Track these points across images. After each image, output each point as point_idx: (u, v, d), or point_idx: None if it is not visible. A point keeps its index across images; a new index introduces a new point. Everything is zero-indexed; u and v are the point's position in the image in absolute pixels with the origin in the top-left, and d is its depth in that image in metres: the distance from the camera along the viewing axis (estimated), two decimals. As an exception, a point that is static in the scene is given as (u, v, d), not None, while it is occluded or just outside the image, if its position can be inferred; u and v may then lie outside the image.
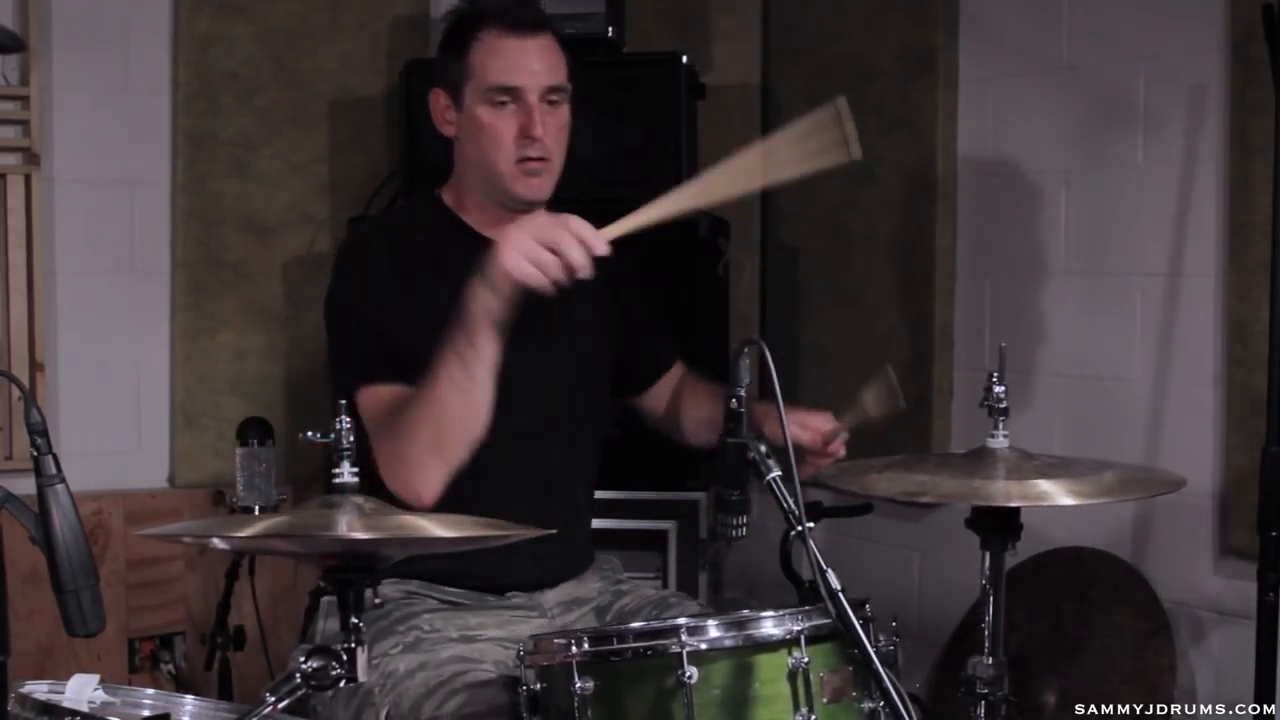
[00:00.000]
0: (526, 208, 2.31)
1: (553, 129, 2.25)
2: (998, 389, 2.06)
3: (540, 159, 2.25)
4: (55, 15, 3.29)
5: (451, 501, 2.03)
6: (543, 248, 1.95)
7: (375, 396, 2.14)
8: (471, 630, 2.22)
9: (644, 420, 2.57)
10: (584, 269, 1.96)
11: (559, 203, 2.33)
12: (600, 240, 1.98)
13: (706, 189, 2.08)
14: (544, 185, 2.28)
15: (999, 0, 3.15)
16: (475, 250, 2.30)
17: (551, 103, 2.26)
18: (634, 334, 2.50)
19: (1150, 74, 2.85)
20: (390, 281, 2.24)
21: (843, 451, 2.25)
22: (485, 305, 1.99)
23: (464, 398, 2.02)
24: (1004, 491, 1.97)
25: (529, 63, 2.24)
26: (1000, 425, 2.07)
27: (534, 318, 2.33)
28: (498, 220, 2.32)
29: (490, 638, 2.21)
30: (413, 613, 2.24)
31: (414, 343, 2.17)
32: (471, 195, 2.33)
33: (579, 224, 1.97)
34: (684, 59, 3.16)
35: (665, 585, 3.11)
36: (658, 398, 2.55)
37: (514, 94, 2.23)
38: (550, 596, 2.34)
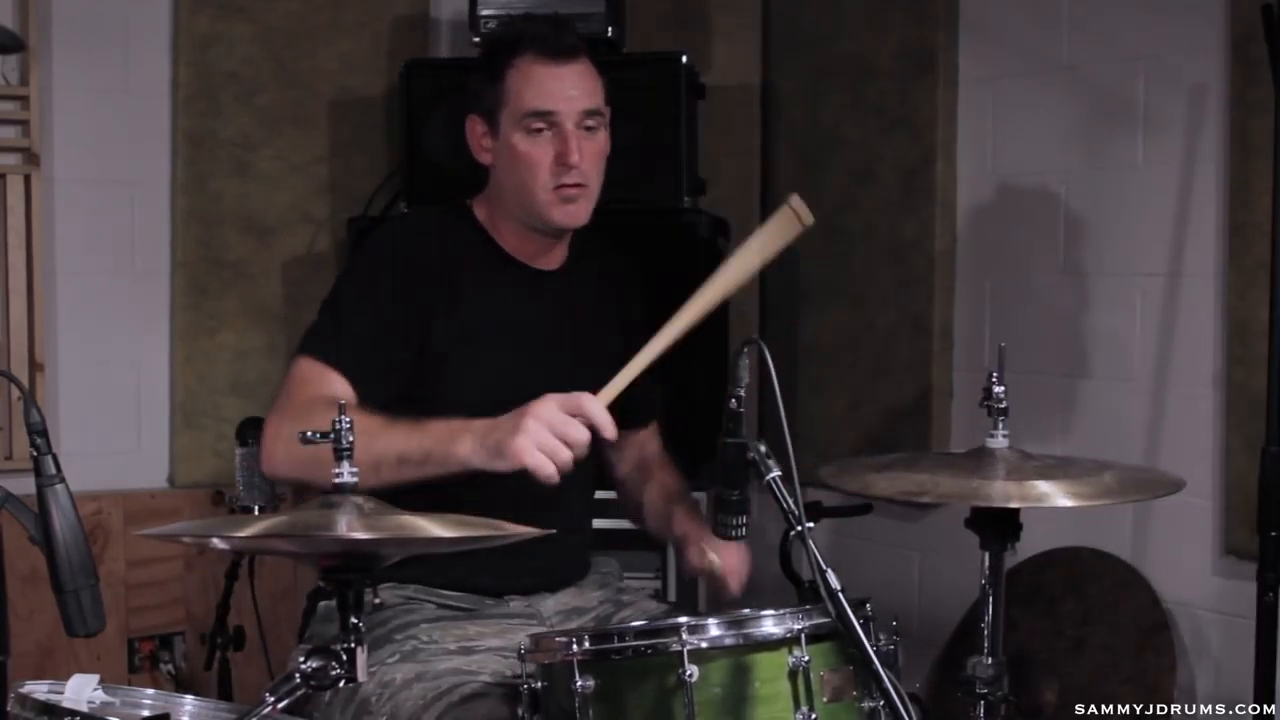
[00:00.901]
0: (563, 233, 2.32)
1: (590, 155, 2.24)
2: (997, 389, 2.06)
3: (577, 185, 2.25)
4: (55, 15, 3.28)
5: (448, 506, 2.02)
6: (559, 441, 1.94)
7: (314, 372, 2.14)
8: (470, 640, 2.22)
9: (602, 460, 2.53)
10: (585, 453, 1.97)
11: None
12: (612, 425, 1.98)
13: (688, 317, 2.09)
14: (581, 212, 2.27)
15: (999, 0, 3.15)
16: (499, 270, 2.32)
17: (589, 128, 2.25)
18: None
19: (1150, 74, 2.85)
20: (396, 296, 2.23)
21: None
22: (465, 461, 1.98)
23: (373, 476, 1.93)
24: (1003, 492, 1.97)
25: (565, 89, 2.23)
26: (1000, 425, 2.07)
27: (538, 326, 2.33)
28: (532, 244, 2.33)
29: (489, 647, 2.21)
30: (410, 621, 2.23)
31: (386, 359, 2.19)
32: (506, 219, 2.33)
33: (594, 408, 1.96)
34: (684, 59, 3.16)
35: (664, 585, 3.11)
36: (623, 452, 2.52)
37: (550, 120, 2.23)
38: (550, 604, 2.34)
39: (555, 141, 2.23)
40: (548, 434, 1.93)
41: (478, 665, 2.14)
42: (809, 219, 2.10)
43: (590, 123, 2.25)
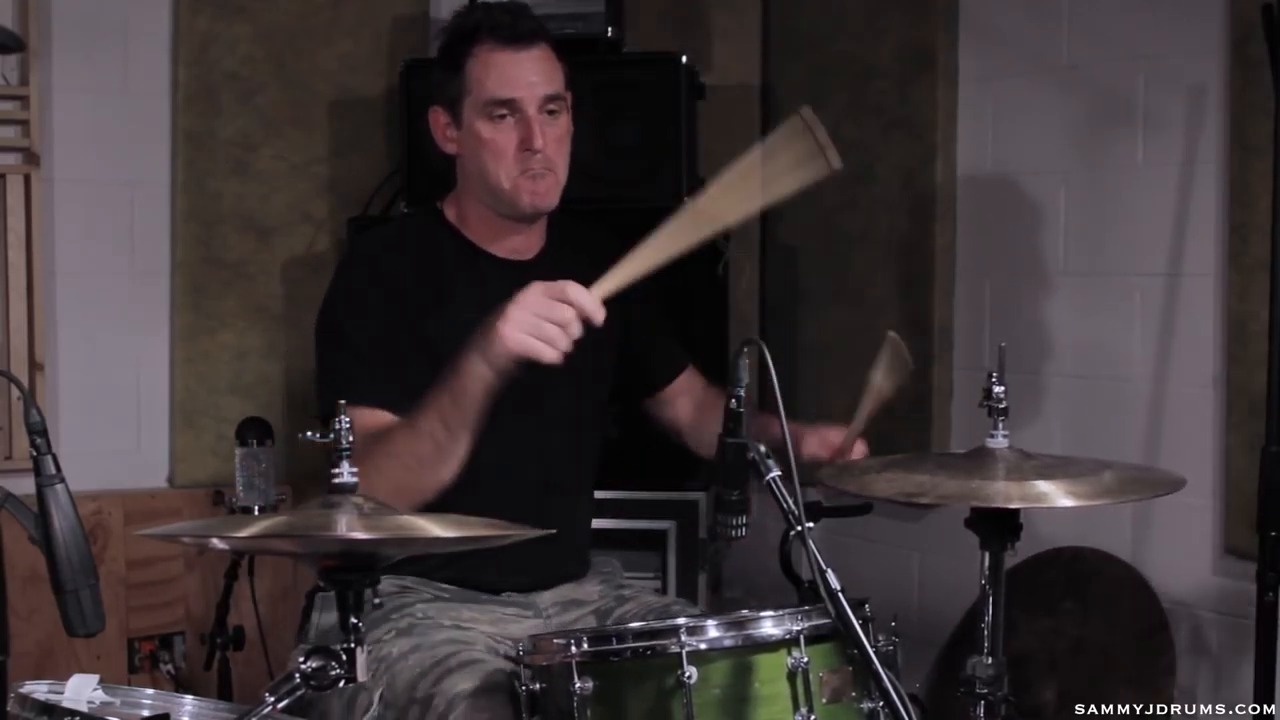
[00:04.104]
0: (533, 218, 2.31)
1: (553, 139, 2.25)
2: (997, 389, 2.06)
3: (543, 169, 2.25)
4: (55, 15, 3.28)
5: (448, 505, 2.03)
6: (545, 322, 1.96)
7: (357, 417, 2.12)
8: (464, 622, 2.23)
9: (659, 426, 2.57)
10: (578, 332, 1.98)
11: (561, 203, 2.33)
12: (599, 308, 1.99)
13: (694, 224, 2.07)
14: (548, 194, 2.27)
15: (999, 0, 3.15)
16: (476, 266, 2.32)
17: (550, 112, 2.25)
18: (637, 337, 2.49)
19: (1150, 74, 2.85)
20: (385, 304, 2.25)
21: (865, 452, 2.28)
22: (480, 376, 2.00)
23: (439, 453, 2.05)
24: (1003, 492, 1.97)
25: (524, 75, 2.23)
26: (999, 425, 2.07)
27: None
28: (502, 233, 2.33)
29: (482, 631, 2.22)
30: (406, 603, 2.25)
31: (401, 367, 2.19)
32: (475, 210, 2.33)
33: (577, 293, 1.98)
34: (684, 59, 3.16)
35: (664, 585, 3.11)
36: (675, 405, 2.55)
37: (512, 106, 2.23)
38: (546, 597, 2.34)
39: (518, 127, 2.23)
40: (532, 317, 1.95)
41: (472, 638, 2.16)
42: (826, 145, 2.03)
43: (552, 107, 2.25)
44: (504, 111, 2.23)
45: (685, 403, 2.55)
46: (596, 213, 2.36)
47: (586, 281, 2.41)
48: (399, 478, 2.05)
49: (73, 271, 3.35)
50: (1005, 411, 2.07)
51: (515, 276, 2.33)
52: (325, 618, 2.25)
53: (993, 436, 2.07)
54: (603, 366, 2.44)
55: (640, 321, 2.48)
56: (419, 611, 2.22)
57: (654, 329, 2.54)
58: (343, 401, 1.99)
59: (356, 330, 2.24)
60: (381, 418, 2.15)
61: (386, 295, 2.25)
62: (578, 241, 2.43)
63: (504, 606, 2.29)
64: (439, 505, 2.04)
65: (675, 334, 2.60)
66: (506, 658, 2.10)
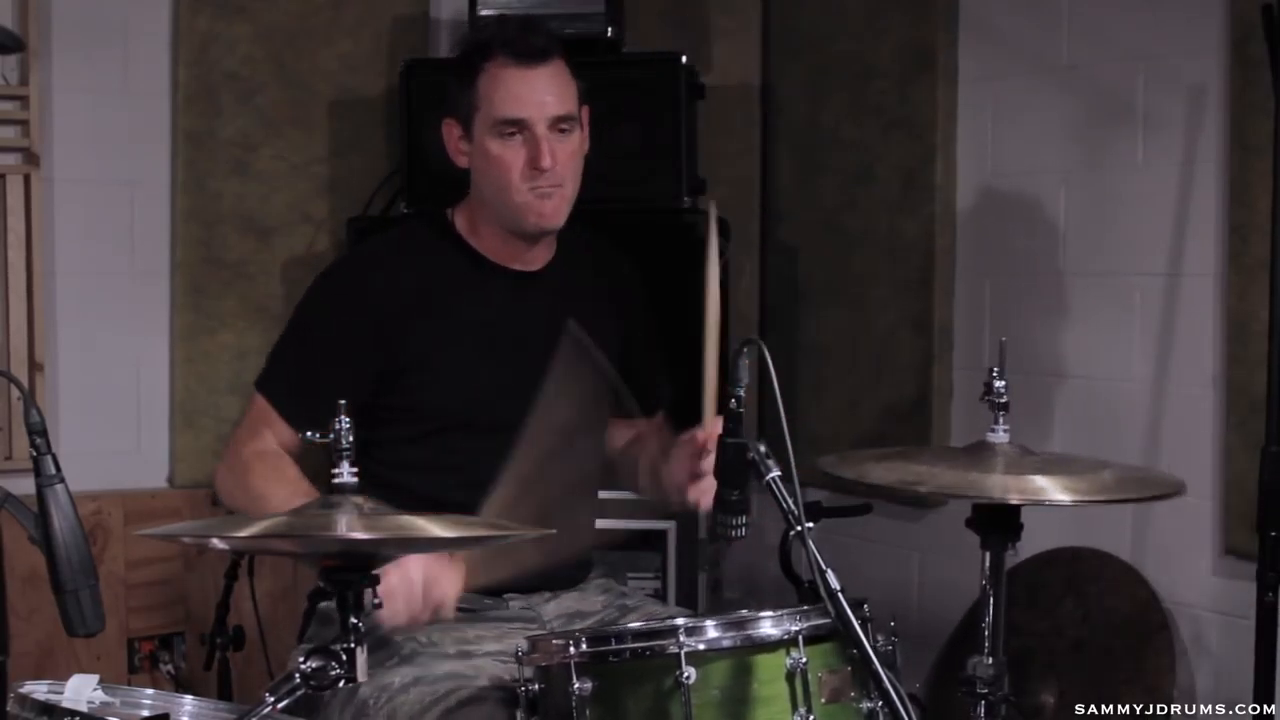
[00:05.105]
0: (541, 235, 2.31)
1: (563, 157, 2.23)
2: (998, 384, 2.06)
3: (552, 186, 2.23)
4: (55, 15, 3.28)
5: (450, 508, 2.02)
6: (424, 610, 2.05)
7: (264, 416, 2.26)
8: (469, 644, 2.21)
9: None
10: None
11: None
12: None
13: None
14: (556, 213, 2.26)
15: (999, 0, 3.15)
16: (482, 276, 2.32)
17: (561, 131, 2.24)
18: (631, 363, 2.47)
19: (1150, 74, 2.85)
20: (356, 319, 2.26)
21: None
22: None
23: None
24: (1001, 485, 1.97)
25: (535, 94, 2.22)
26: (1000, 420, 2.07)
27: (519, 328, 2.33)
28: (511, 246, 2.32)
29: (487, 652, 2.20)
30: None
31: (337, 388, 2.16)
32: (486, 224, 2.33)
33: (443, 583, 2.06)
34: (684, 59, 3.16)
35: (664, 585, 3.11)
36: (622, 430, 2.52)
37: (521, 125, 2.22)
38: (550, 608, 2.33)
39: (527, 146, 2.22)
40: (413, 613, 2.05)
41: (475, 669, 2.14)
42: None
43: (563, 126, 2.24)
44: (513, 130, 2.22)
45: (627, 433, 2.52)
46: (596, 213, 2.36)
47: (598, 292, 2.42)
48: (241, 504, 2.22)
49: (73, 271, 3.35)
50: (1006, 406, 2.07)
51: (520, 288, 2.33)
52: (326, 631, 2.24)
53: (993, 431, 2.07)
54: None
55: (637, 354, 2.48)
56: (422, 637, 2.20)
57: (645, 368, 2.50)
58: (257, 391, 2.06)
59: (305, 349, 2.28)
60: (277, 430, 2.24)
61: (364, 309, 2.26)
62: (590, 255, 2.43)
63: (509, 620, 2.28)
64: (439, 506, 2.03)
65: (665, 379, 2.55)
66: (513, 681, 2.08)
